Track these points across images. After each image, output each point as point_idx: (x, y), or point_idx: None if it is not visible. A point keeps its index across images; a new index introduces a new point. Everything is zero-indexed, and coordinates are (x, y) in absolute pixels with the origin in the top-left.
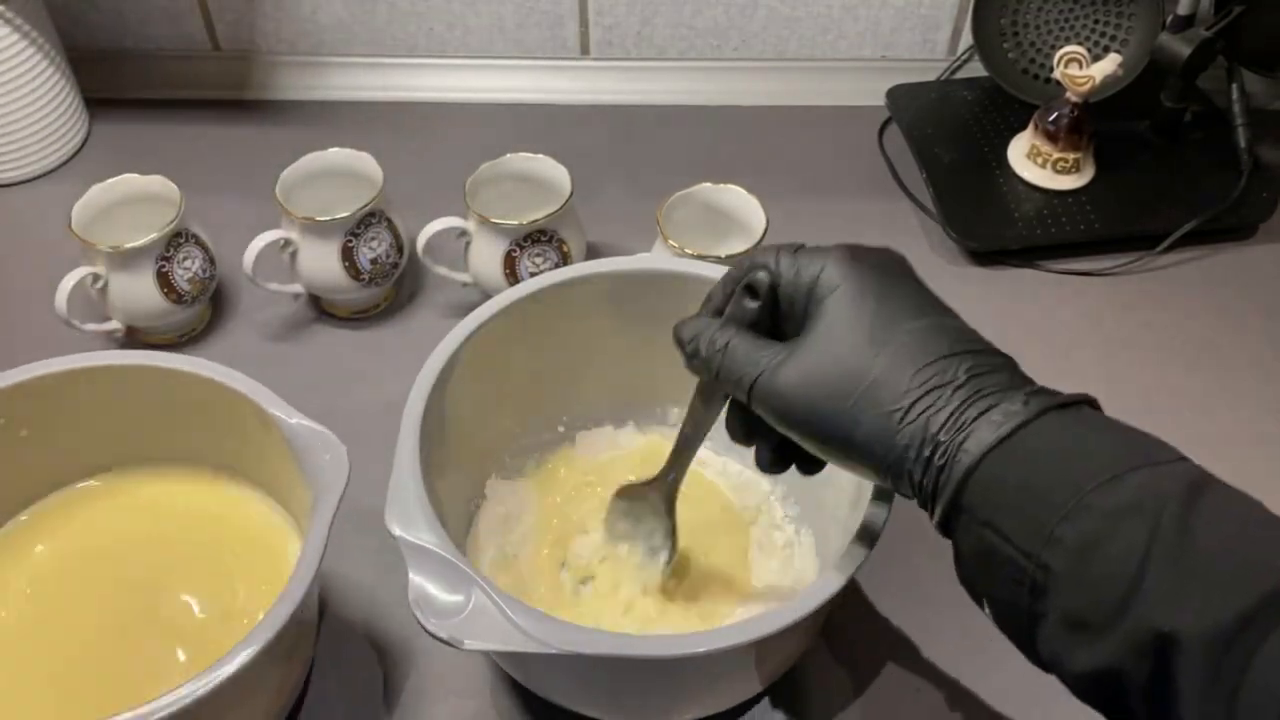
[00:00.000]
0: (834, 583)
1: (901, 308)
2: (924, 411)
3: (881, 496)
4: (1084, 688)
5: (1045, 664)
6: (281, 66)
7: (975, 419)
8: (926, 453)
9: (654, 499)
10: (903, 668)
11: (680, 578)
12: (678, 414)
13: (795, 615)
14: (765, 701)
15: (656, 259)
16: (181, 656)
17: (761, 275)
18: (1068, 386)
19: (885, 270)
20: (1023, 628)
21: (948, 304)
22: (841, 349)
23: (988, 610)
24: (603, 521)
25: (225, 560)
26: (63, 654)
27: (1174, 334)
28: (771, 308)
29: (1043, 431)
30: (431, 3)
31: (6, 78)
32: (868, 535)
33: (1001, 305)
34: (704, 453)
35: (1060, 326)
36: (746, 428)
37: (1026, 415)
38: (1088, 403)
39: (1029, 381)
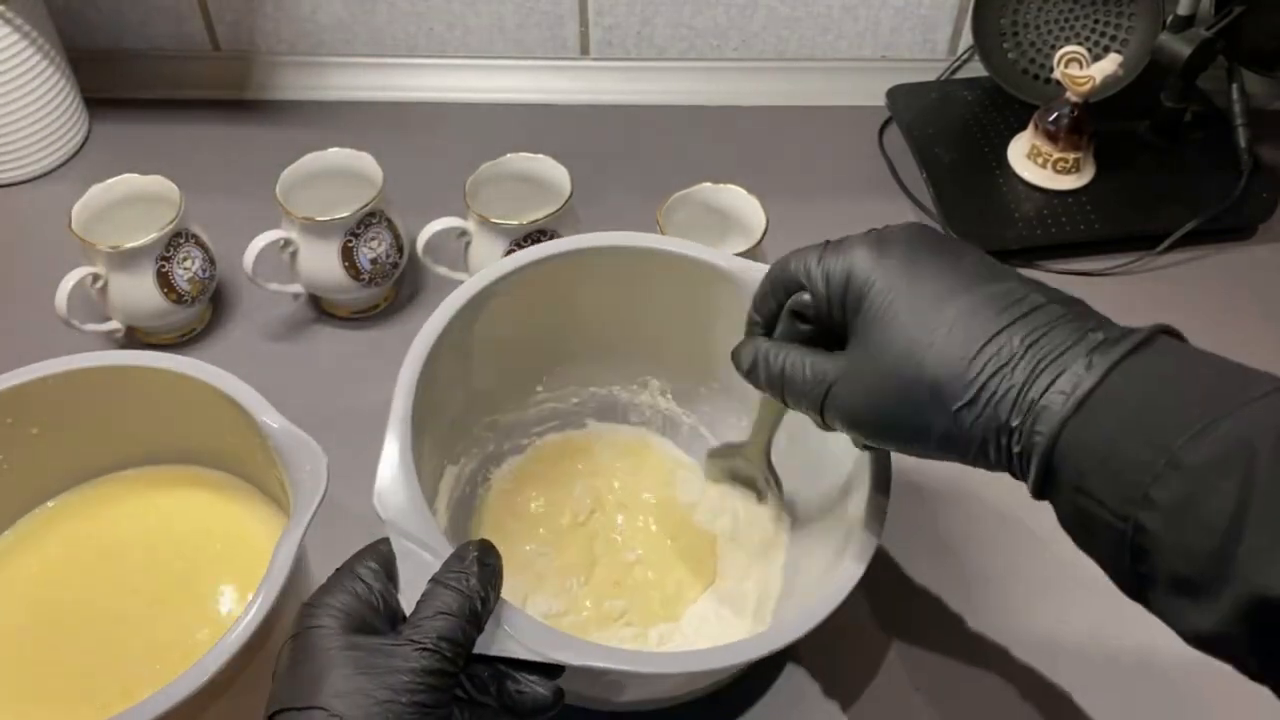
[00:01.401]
0: (804, 624)
1: (936, 293)
2: (989, 399)
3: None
4: (1200, 647)
5: (1163, 619)
6: (281, 66)
7: (1043, 394)
8: (1003, 440)
9: (747, 452)
10: (896, 671)
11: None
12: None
13: (774, 644)
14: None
15: (630, 236)
16: (181, 657)
17: (806, 298)
18: None
19: (912, 255)
20: (1134, 589)
21: (987, 256)
22: (892, 355)
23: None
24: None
25: (226, 561)
26: (65, 652)
27: None
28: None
29: (1118, 388)
30: (431, 3)
31: (6, 78)
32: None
33: None
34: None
35: None
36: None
37: (1094, 380)
38: (1165, 332)
39: (1094, 325)
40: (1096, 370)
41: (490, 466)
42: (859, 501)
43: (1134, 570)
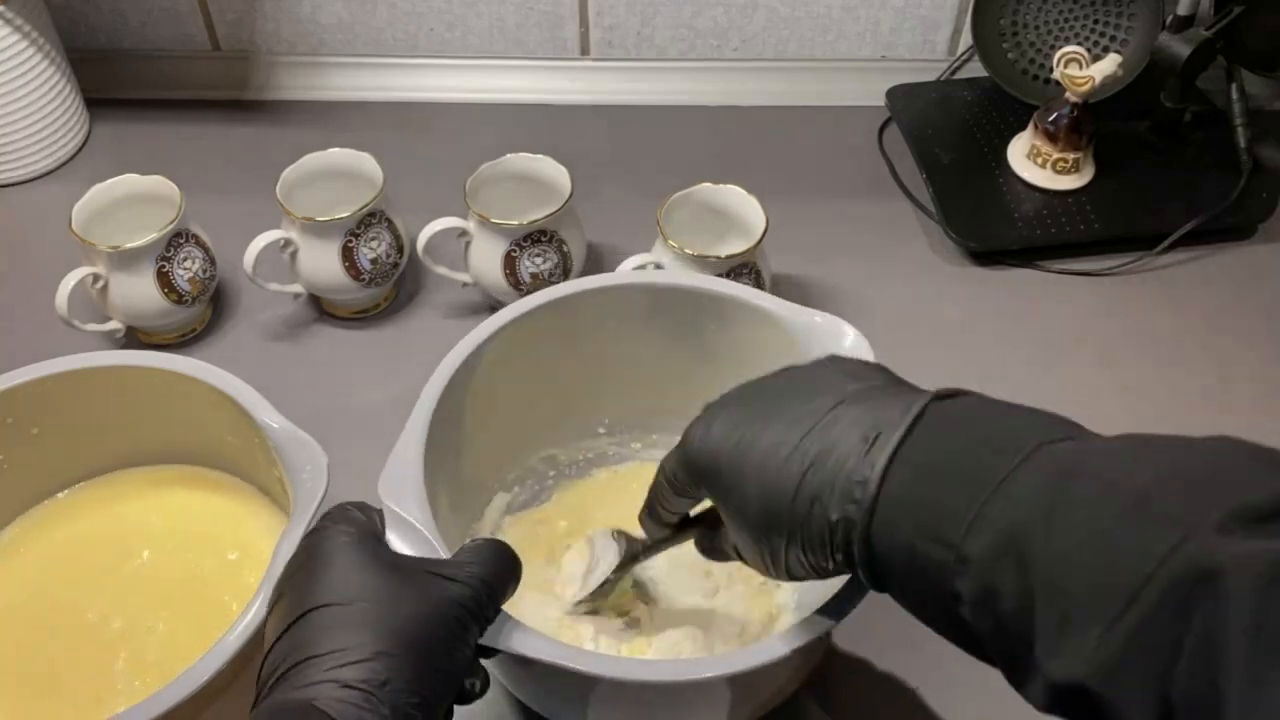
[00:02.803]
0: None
1: (763, 414)
2: (811, 505)
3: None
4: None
5: None
6: (281, 67)
7: (842, 505)
8: (832, 539)
9: (615, 544)
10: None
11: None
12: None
13: (780, 651)
14: None
15: (684, 275)
16: (180, 657)
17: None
18: (1067, 387)
19: (731, 407)
20: (993, 663)
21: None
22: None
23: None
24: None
25: (225, 561)
26: (63, 652)
27: (1174, 334)
28: None
29: (901, 482)
30: (431, 3)
31: (6, 78)
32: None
33: (1001, 305)
34: None
35: (1060, 326)
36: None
37: (876, 482)
38: (944, 396)
39: (879, 417)
40: (878, 469)
41: (543, 497)
42: None
43: (980, 652)
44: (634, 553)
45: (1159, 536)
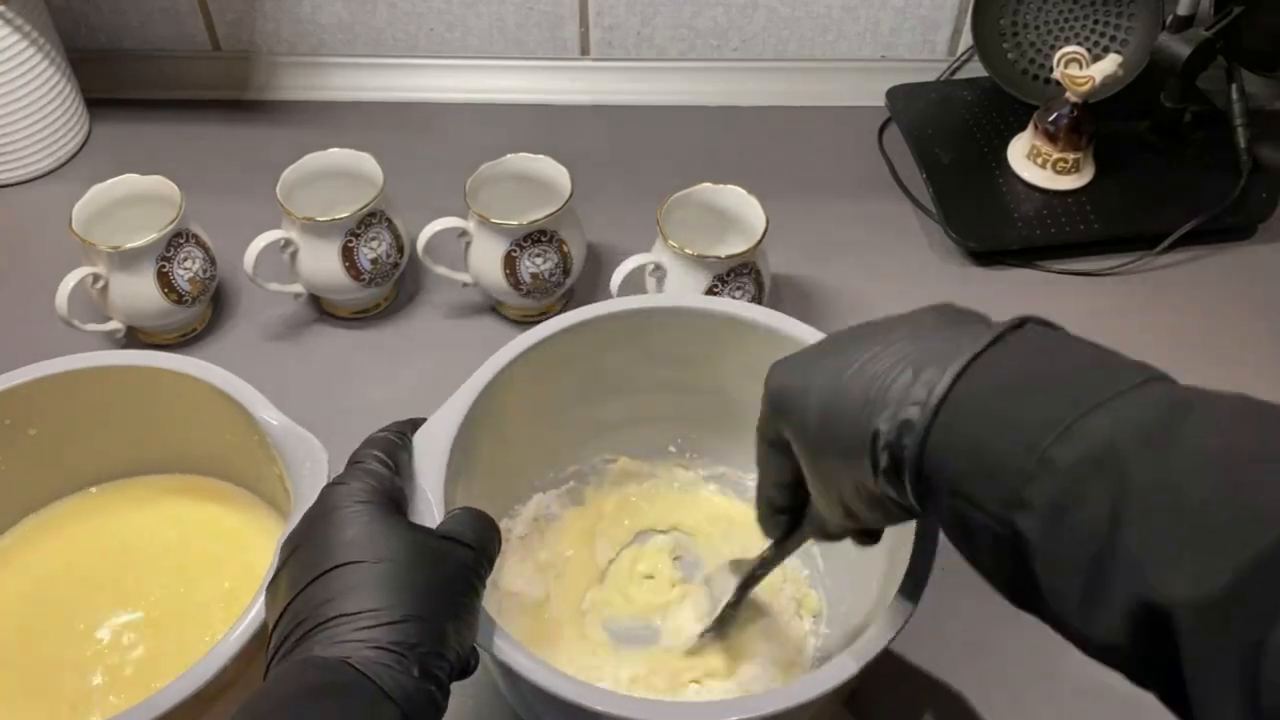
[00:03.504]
0: (840, 674)
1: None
2: (864, 406)
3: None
4: (1093, 655)
5: (1054, 628)
6: (282, 67)
7: (902, 406)
8: (878, 449)
9: (734, 575)
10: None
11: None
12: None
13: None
14: None
15: (766, 314)
16: (180, 660)
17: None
18: None
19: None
20: (1023, 596)
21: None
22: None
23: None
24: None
25: (224, 567)
26: (58, 656)
27: (1174, 334)
28: None
29: (980, 386)
30: (431, 3)
31: (7, 78)
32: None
33: (1001, 305)
34: None
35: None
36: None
37: (948, 382)
38: (1036, 322)
39: (965, 334)
40: (950, 371)
41: (594, 492)
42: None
43: (1019, 576)
44: (750, 573)
45: None
